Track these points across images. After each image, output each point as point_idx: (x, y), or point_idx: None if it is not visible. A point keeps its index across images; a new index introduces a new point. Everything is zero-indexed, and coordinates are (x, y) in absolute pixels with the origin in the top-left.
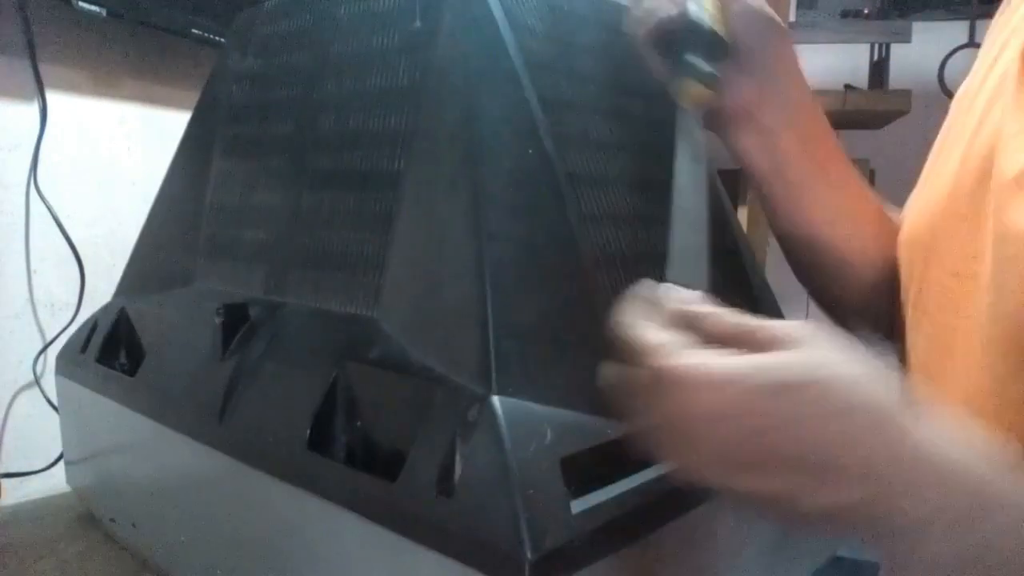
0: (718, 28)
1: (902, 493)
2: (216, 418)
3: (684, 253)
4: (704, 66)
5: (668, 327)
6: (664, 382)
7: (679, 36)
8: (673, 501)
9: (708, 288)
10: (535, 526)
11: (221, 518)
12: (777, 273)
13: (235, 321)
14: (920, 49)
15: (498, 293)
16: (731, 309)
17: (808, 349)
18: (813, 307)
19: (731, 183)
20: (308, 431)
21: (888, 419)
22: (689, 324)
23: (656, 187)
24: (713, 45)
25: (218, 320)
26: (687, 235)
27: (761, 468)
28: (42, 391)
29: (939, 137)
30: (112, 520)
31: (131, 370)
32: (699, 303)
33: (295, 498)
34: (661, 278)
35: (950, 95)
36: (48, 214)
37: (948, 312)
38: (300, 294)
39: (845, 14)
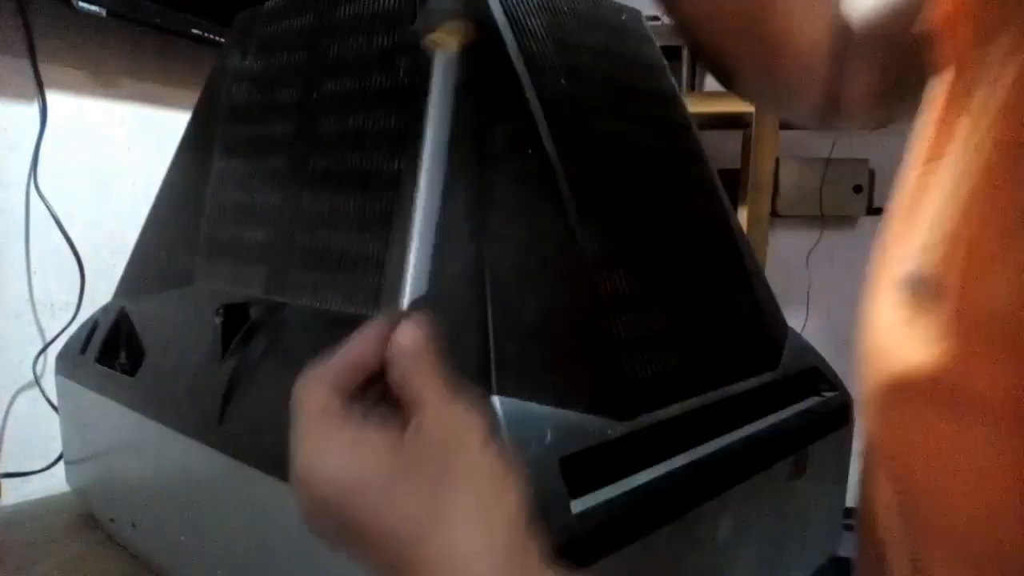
0: None
1: None
2: (216, 418)
3: (420, 254)
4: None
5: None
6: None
7: None
8: (673, 501)
9: (428, 295)
10: (535, 526)
11: (221, 518)
12: (777, 273)
13: (235, 321)
14: None
15: (498, 293)
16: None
17: (432, 433)
18: (814, 309)
19: (731, 183)
20: None
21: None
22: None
23: (658, 187)
24: None
25: (218, 320)
26: (424, 235)
27: (356, 543)
28: (42, 391)
29: None
30: (112, 520)
31: (131, 370)
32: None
33: (295, 498)
34: (657, 279)
35: None
36: (48, 214)
37: None
38: (300, 294)
39: None
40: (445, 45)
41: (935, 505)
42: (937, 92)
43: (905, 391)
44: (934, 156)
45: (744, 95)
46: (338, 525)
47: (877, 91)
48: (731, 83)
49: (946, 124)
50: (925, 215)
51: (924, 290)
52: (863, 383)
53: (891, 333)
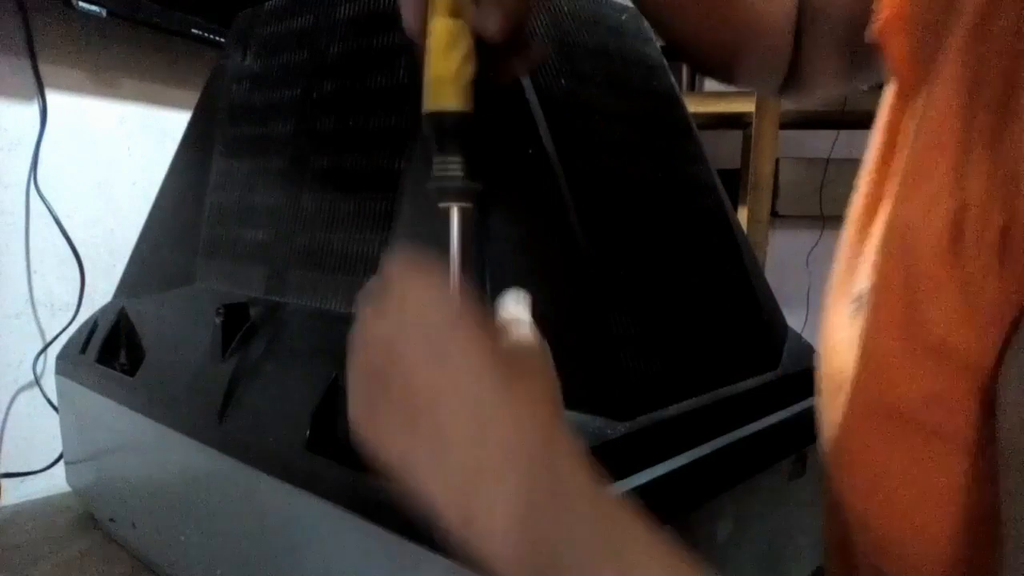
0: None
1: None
2: (216, 418)
3: None
4: (456, 177)
5: None
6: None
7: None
8: (673, 501)
9: None
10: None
11: (221, 518)
12: (777, 273)
13: (235, 321)
14: None
15: (498, 293)
16: None
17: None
18: (814, 309)
19: (731, 183)
20: (308, 431)
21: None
22: None
23: (657, 187)
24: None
25: (218, 320)
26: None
27: (395, 422)
28: (42, 391)
29: None
30: (112, 520)
31: (131, 370)
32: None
33: (295, 498)
34: (657, 279)
35: None
36: (48, 214)
37: None
38: (300, 294)
39: None
40: (451, 209)
41: (874, 511)
42: (886, 99)
43: (856, 406)
44: (884, 166)
45: (710, 74)
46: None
47: (836, 65)
48: (696, 64)
49: (892, 136)
50: (874, 233)
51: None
52: (819, 394)
53: (844, 348)
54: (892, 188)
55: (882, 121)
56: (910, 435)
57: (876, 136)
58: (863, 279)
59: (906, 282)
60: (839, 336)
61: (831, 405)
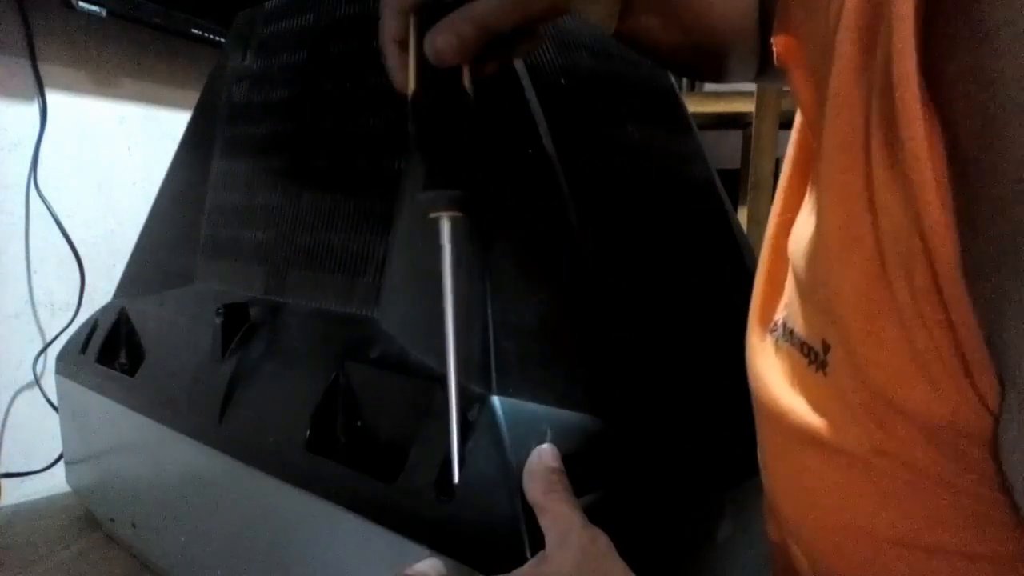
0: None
1: None
2: (216, 418)
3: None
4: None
5: None
6: None
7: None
8: (673, 501)
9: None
10: (535, 526)
11: (221, 518)
12: None
13: (235, 321)
14: None
15: (498, 293)
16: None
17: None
18: None
19: (731, 183)
20: (308, 431)
21: None
22: None
23: (657, 186)
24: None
25: (218, 320)
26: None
27: None
28: (42, 391)
29: None
30: (112, 520)
31: (131, 370)
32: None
33: (295, 498)
34: (657, 280)
35: None
36: (48, 214)
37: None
38: (300, 294)
39: None
40: (442, 220)
41: (805, 532)
42: (796, 126)
43: (792, 437)
44: (792, 200)
45: (676, 71)
46: None
47: None
48: (672, 69)
49: (802, 160)
50: (789, 265)
51: (800, 348)
52: (759, 428)
53: (775, 380)
54: (800, 237)
55: (793, 142)
56: (856, 476)
57: (788, 160)
58: (781, 308)
59: (844, 336)
60: (761, 363)
61: (765, 431)
